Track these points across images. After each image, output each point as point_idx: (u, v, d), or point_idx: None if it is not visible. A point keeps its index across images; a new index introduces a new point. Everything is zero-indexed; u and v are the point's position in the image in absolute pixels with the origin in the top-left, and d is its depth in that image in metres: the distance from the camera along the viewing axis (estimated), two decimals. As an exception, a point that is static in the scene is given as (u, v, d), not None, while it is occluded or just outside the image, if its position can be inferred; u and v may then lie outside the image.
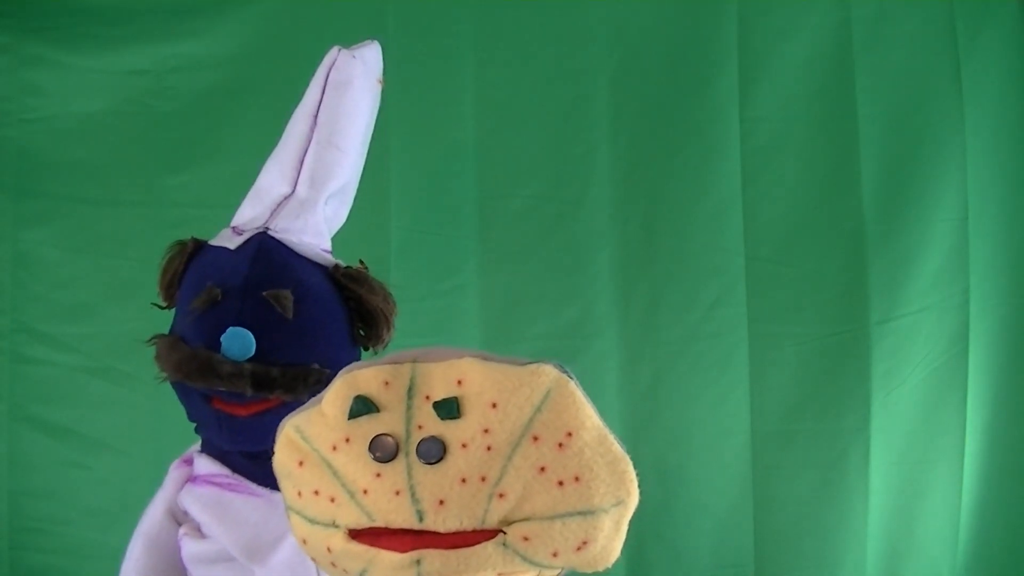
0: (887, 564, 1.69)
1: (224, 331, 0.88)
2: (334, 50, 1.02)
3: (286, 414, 0.62)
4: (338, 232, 1.10)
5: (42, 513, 1.60)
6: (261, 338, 0.88)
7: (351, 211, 1.11)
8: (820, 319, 1.68)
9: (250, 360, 0.88)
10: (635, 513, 0.59)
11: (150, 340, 0.95)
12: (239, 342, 0.88)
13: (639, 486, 0.58)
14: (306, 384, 0.89)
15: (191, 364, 0.89)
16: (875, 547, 1.68)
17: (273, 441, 0.62)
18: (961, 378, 1.70)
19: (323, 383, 0.88)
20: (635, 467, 0.58)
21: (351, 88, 1.01)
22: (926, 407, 1.70)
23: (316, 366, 0.91)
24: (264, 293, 0.90)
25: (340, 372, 0.61)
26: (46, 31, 1.61)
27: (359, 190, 1.16)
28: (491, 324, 1.65)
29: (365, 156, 1.08)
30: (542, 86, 1.67)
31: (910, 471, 1.70)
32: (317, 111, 1.00)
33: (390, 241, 1.62)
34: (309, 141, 1.00)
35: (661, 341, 1.68)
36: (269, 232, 0.97)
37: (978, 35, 1.72)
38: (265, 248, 0.95)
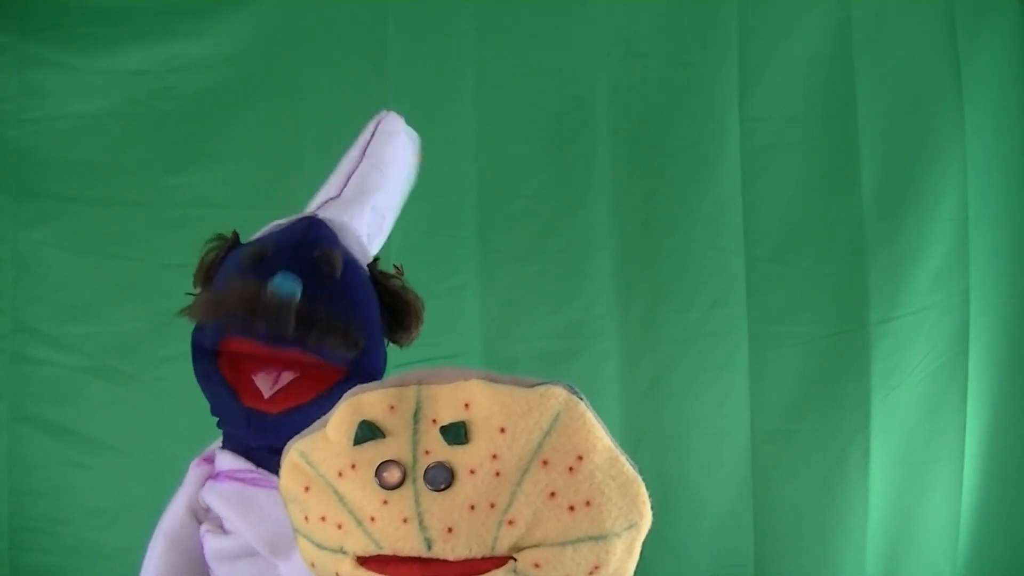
0: (887, 564, 1.69)
1: (272, 278, 0.88)
2: (383, 111, 1.13)
3: (316, 413, 0.61)
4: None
5: (42, 513, 1.60)
6: (308, 290, 0.88)
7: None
8: (820, 319, 1.68)
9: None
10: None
11: (182, 311, 0.94)
12: (288, 284, 0.88)
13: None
14: (345, 342, 0.90)
15: (235, 297, 0.88)
16: (875, 547, 1.68)
17: None
18: (961, 378, 1.70)
19: (358, 350, 0.90)
20: (634, 468, 0.57)
21: (397, 137, 1.12)
22: (926, 407, 1.70)
23: (356, 328, 0.91)
24: (315, 252, 0.92)
25: (344, 396, 0.59)
26: (46, 31, 1.61)
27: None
28: (491, 324, 1.65)
29: (398, 211, 1.15)
30: (542, 86, 1.67)
31: (910, 471, 1.70)
32: (367, 146, 1.09)
33: (390, 241, 1.61)
34: (358, 164, 1.08)
35: (661, 341, 1.68)
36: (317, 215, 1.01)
37: (978, 35, 1.72)
38: (316, 223, 0.98)
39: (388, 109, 1.14)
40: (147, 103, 1.62)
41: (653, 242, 1.68)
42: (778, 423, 1.68)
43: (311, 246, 0.93)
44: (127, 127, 1.62)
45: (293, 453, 0.60)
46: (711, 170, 1.69)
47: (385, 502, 0.54)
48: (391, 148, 1.10)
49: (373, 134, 1.10)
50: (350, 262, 0.96)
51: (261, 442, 0.95)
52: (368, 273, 1.00)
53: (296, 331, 0.87)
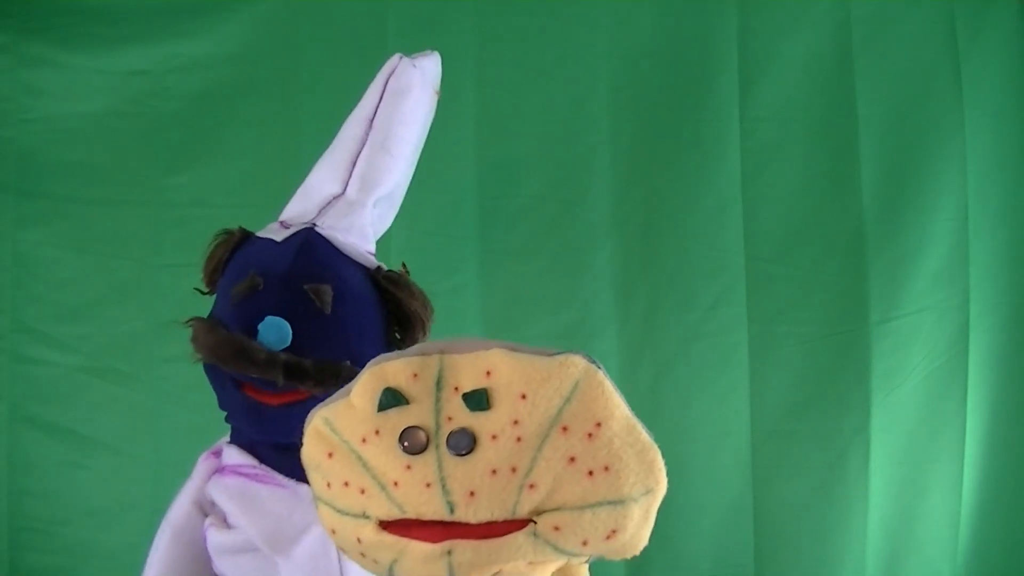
0: (887, 564, 1.69)
1: (262, 319, 0.89)
2: (395, 57, 1.04)
3: (314, 407, 0.62)
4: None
5: (42, 513, 1.60)
6: (297, 330, 0.90)
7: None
8: (820, 319, 1.68)
9: (284, 350, 0.89)
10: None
11: (187, 321, 0.95)
12: (276, 331, 0.89)
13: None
14: (337, 380, 0.90)
15: (226, 348, 0.90)
16: (875, 547, 1.68)
17: (301, 434, 0.63)
18: (961, 378, 1.69)
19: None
20: (650, 435, 0.58)
21: (409, 96, 1.04)
22: (926, 407, 1.70)
23: (348, 363, 0.91)
24: (305, 286, 0.92)
25: (368, 363, 0.60)
26: (46, 31, 1.61)
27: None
28: (491, 324, 1.65)
29: (415, 164, 1.10)
30: (542, 86, 1.67)
31: (910, 471, 1.70)
32: (374, 115, 1.02)
33: (390, 241, 1.61)
34: (363, 144, 1.02)
35: (661, 341, 1.68)
36: (316, 228, 0.98)
37: (978, 35, 1.72)
38: (310, 242, 0.96)
39: (399, 55, 1.03)
40: (147, 103, 1.62)
41: (653, 242, 1.68)
42: (778, 423, 1.68)
43: (301, 278, 0.93)
44: (127, 127, 1.62)
45: (317, 420, 0.61)
46: (711, 170, 1.69)
47: (408, 467, 0.55)
48: (401, 114, 1.03)
49: (382, 97, 1.02)
50: (343, 291, 0.94)
51: (262, 436, 0.96)
52: (370, 280, 0.99)
53: (286, 381, 0.88)
